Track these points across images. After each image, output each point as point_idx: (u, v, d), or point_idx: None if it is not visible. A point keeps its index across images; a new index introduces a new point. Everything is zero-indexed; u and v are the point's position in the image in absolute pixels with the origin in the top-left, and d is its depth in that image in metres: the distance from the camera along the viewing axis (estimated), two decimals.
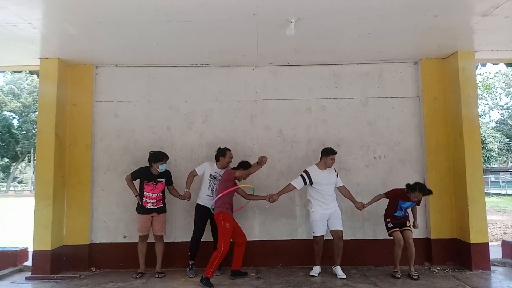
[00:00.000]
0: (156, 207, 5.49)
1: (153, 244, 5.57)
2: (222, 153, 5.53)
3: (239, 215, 5.93)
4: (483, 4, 4.30)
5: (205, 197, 5.49)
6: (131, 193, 5.56)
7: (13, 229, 12.11)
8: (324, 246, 5.46)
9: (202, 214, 5.50)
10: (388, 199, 5.44)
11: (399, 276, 5.24)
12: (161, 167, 5.45)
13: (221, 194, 5.04)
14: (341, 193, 5.51)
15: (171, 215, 5.84)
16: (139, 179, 5.54)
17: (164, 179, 5.56)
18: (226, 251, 4.95)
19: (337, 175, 5.48)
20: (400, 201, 5.32)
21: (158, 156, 5.45)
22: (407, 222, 5.38)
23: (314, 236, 5.41)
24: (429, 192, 5.23)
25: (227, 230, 4.98)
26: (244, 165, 5.32)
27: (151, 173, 5.48)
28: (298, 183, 5.35)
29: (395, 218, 5.36)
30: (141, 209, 5.49)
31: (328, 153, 5.36)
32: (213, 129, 6.23)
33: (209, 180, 5.51)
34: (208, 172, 5.52)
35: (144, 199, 5.47)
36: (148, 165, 5.49)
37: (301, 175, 5.36)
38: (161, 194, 5.54)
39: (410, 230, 5.32)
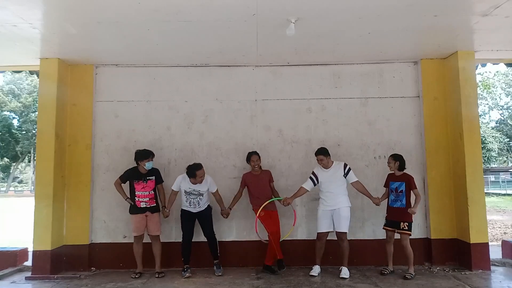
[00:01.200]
0: (149, 206, 5.48)
1: (150, 244, 5.56)
2: (191, 175, 5.38)
3: (240, 214, 5.95)
4: (483, 4, 4.30)
5: (187, 207, 5.52)
6: (127, 190, 5.56)
7: (13, 229, 12.11)
8: (325, 246, 5.46)
9: (186, 218, 5.52)
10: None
11: (386, 273, 5.35)
12: (148, 165, 5.47)
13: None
14: (356, 188, 5.48)
15: (171, 215, 5.83)
16: (128, 182, 5.55)
17: (154, 177, 5.55)
18: (276, 232, 5.37)
19: (347, 172, 5.39)
20: (390, 182, 5.42)
21: (144, 154, 5.49)
22: (404, 223, 5.21)
23: (316, 233, 5.46)
24: (398, 156, 5.39)
25: (261, 217, 5.36)
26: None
27: (139, 172, 5.50)
28: (308, 185, 5.46)
29: (390, 211, 5.36)
30: (133, 209, 5.50)
31: (315, 155, 5.46)
32: (213, 129, 6.23)
33: (185, 195, 5.50)
34: (182, 188, 5.49)
35: (137, 199, 5.47)
36: (135, 165, 5.53)
37: (310, 177, 5.47)
38: (153, 192, 5.52)
39: (406, 233, 5.23)
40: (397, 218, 5.27)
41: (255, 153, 5.68)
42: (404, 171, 5.39)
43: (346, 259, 5.36)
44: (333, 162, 5.46)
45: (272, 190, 5.71)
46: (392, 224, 5.33)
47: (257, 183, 5.57)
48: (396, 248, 5.37)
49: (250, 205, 5.75)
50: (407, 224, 5.23)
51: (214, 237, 5.59)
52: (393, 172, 5.43)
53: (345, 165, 5.43)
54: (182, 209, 5.56)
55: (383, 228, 5.47)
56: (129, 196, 5.53)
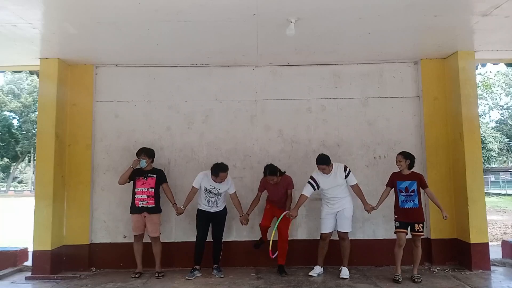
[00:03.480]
0: (147, 206, 5.45)
1: (150, 244, 5.55)
2: (215, 174, 5.31)
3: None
4: (483, 4, 4.30)
5: (204, 206, 5.50)
6: (131, 193, 5.55)
7: (13, 229, 12.11)
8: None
9: (202, 218, 5.50)
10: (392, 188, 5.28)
11: (400, 280, 5.03)
12: (140, 163, 5.49)
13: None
14: (354, 191, 5.41)
15: (171, 215, 5.82)
16: (133, 180, 5.57)
17: (155, 175, 5.55)
18: (262, 225, 5.58)
19: (347, 174, 5.32)
20: (397, 182, 5.17)
21: (137, 152, 5.55)
22: (419, 224, 5.06)
23: (320, 233, 5.44)
24: (408, 154, 5.15)
25: (265, 209, 5.64)
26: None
27: (142, 169, 5.53)
28: (307, 191, 5.34)
29: (402, 212, 5.09)
30: (132, 208, 5.51)
31: (316, 163, 5.32)
32: (213, 129, 6.23)
33: (204, 193, 5.46)
34: (203, 185, 5.45)
35: (136, 196, 5.47)
36: None
37: (309, 182, 5.35)
38: (152, 191, 5.49)
39: (420, 235, 5.08)
40: (411, 219, 5.06)
41: (273, 172, 5.37)
42: (412, 170, 5.21)
43: (347, 259, 5.36)
44: (332, 164, 5.41)
45: (288, 197, 5.57)
46: (405, 225, 5.09)
47: (275, 191, 5.53)
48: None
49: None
50: (421, 225, 5.07)
51: (220, 240, 5.57)
52: (400, 171, 5.23)
53: (345, 168, 5.36)
54: (198, 209, 5.55)
55: (396, 232, 5.14)
56: (132, 195, 5.52)
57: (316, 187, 5.35)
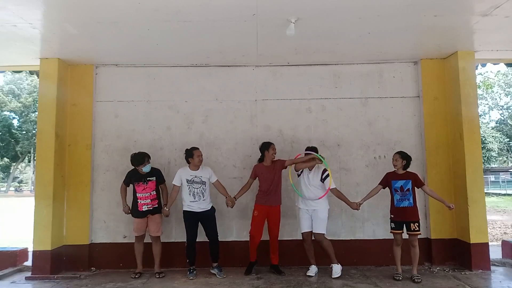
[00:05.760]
0: (151, 208, 5.46)
1: (150, 244, 5.55)
2: (189, 155, 5.45)
3: (240, 214, 5.96)
4: (483, 4, 4.30)
5: (190, 203, 5.43)
6: (132, 196, 5.55)
7: (13, 229, 12.11)
8: (316, 246, 5.43)
9: (190, 220, 5.44)
10: (387, 188, 5.30)
11: (400, 278, 5.12)
12: (145, 169, 5.45)
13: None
14: (334, 195, 5.39)
15: (171, 215, 5.82)
16: (131, 185, 5.54)
17: (154, 177, 5.53)
18: (253, 235, 5.41)
19: (324, 178, 5.32)
20: (392, 181, 5.21)
21: (138, 159, 5.42)
22: (414, 224, 5.09)
23: (301, 233, 5.47)
24: (406, 155, 5.19)
25: (254, 217, 5.45)
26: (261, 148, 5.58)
27: (139, 173, 5.49)
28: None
29: (398, 211, 5.13)
30: (135, 212, 5.49)
31: (305, 150, 5.43)
32: (213, 129, 6.23)
33: (187, 185, 5.42)
34: (184, 178, 5.43)
35: (139, 201, 5.45)
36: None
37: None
38: (155, 193, 5.49)
39: (416, 234, 5.12)
40: (406, 218, 5.10)
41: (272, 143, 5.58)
42: (406, 170, 5.24)
43: (333, 255, 5.29)
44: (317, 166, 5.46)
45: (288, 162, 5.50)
46: (400, 225, 5.15)
47: (267, 176, 5.45)
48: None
49: (250, 205, 5.75)
50: (417, 224, 5.10)
51: (217, 239, 5.52)
52: (394, 170, 5.26)
53: (324, 171, 5.37)
54: (184, 210, 5.47)
55: (391, 232, 5.24)
56: (133, 199, 5.51)
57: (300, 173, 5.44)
